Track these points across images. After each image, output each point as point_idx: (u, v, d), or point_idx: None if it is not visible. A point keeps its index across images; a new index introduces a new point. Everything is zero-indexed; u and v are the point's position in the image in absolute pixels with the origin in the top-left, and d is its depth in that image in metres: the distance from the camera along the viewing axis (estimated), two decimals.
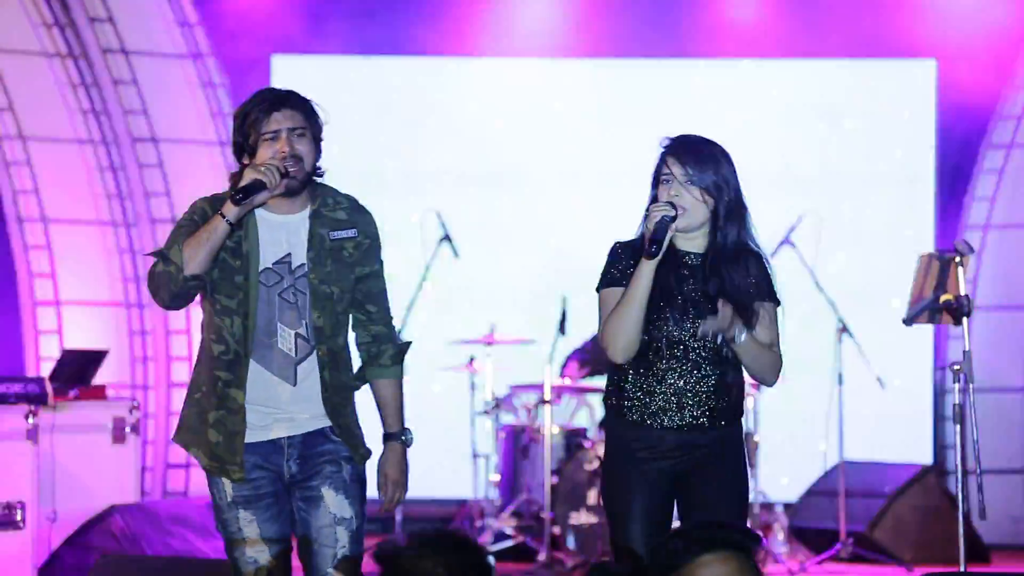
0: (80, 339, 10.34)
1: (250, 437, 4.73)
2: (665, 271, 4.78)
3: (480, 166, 11.34)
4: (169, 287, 4.64)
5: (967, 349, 6.62)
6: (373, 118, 11.21)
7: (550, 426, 9.44)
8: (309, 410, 4.75)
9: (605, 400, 4.97)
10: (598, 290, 4.92)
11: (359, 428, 4.86)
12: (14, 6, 10.33)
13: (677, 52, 11.23)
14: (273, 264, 4.72)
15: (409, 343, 4.98)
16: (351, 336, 4.89)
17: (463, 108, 11.34)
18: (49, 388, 8.07)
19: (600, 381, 10.15)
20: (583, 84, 11.36)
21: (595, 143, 11.28)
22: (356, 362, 4.93)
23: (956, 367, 6.54)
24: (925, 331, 10.99)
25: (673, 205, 4.78)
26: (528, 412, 9.84)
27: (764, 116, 11.18)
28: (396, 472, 4.92)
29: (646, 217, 4.82)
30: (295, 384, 4.73)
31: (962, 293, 6.75)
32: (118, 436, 8.41)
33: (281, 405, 4.73)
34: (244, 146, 4.76)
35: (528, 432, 9.72)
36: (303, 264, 4.73)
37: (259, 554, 4.74)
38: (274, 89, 4.85)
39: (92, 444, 8.32)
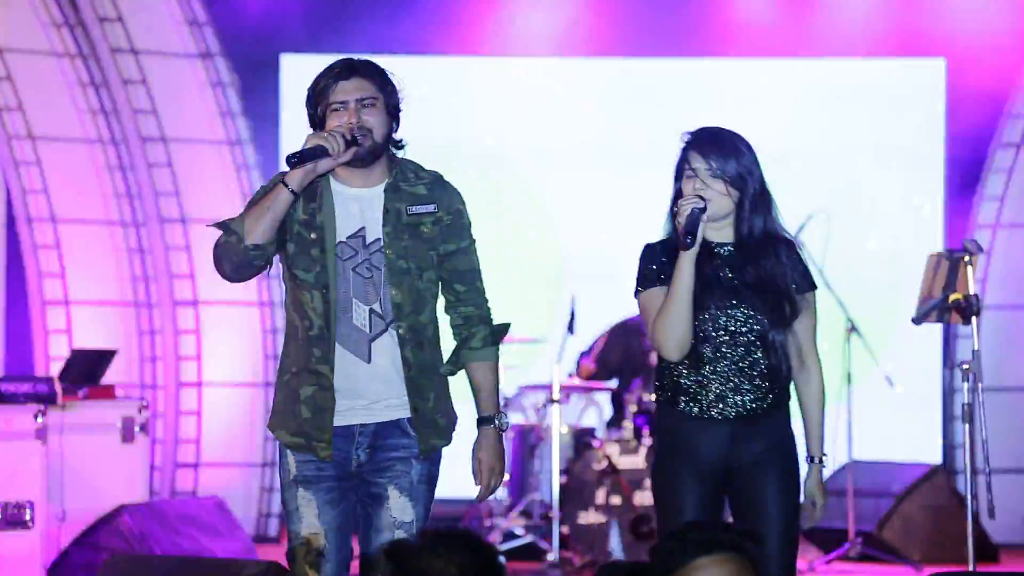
0: (89, 339, 10.35)
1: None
2: (700, 263, 4.80)
3: (489, 165, 11.35)
4: (231, 257, 4.54)
5: (976, 348, 6.61)
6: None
7: (559, 426, 9.45)
8: (384, 392, 4.62)
9: (658, 395, 4.96)
10: (637, 294, 4.93)
11: (444, 416, 4.73)
12: (23, 6, 10.34)
13: (686, 51, 11.24)
14: (347, 238, 4.60)
15: (507, 325, 4.85)
16: (445, 319, 4.76)
17: (472, 107, 11.35)
18: (58, 388, 8.08)
19: (603, 382, 10.16)
20: (593, 83, 11.37)
21: (606, 142, 11.28)
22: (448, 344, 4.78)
23: (965, 366, 6.54)
24: (934, 330, 10.99)
25: (701, 197, 4.79)
26: (536, 411, 9.85)
27: (773, 115, 11.18)
28: (491, 457, 4.77)
29: (675, 212, 4.83)
30: (369, 362, 4.60)
31: (971, 292, 6.74)
32: (127, 436, 8.42)
33: (358, 384, 4.61)
34: (316, 118, 4.65)
35: (536, 432, 9.73)
36: (378, 239, 4.61)
37: (314, 539, 4.61)
38: (349, 59, 4.73)
39: (101, 444, 8.32)
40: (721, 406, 4.84)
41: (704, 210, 4.77)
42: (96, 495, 8.15)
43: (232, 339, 10.81)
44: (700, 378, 4.85)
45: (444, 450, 4.82)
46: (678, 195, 4.88)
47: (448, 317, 4.79)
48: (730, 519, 5.03)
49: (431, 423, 4.68)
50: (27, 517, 7.81)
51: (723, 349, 4.84)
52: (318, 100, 4.64)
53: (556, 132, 11.35)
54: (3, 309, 10.73)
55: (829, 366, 10.09)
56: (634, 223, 11.14)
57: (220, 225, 4.58)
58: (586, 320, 10.06)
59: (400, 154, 4.75)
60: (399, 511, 4.63)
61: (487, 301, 4.82)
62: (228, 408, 10.78)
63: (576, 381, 9.98)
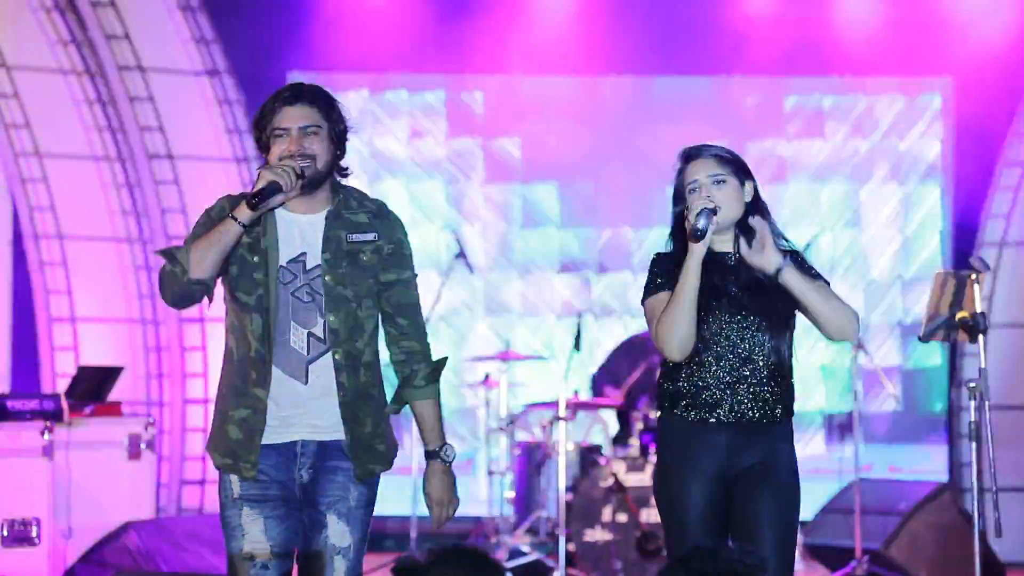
0: (96, 356, 10.36)
1: (268, 438, 4.62)
2: (706, 271, 4.83)
3: (496, 181, 11.36)
4: (173, 287, 4.58)
5: (983, 366, 6.62)
6: (389, 134, 11.24)
7: (565, 443, 9.45)
8: (324, 413, 4.64)
9: (659, 402, 4.99)
10: (644, 301, 4.97)
11: (384, 442, 4.73)
12: (31, 23, 10.37)
13: (692, 69, 11.25)
14: (287, 262, 4.61)
15: (445, 359, 4.86)
16: (384, 350, 4.77)
17: (479, 123, 11.37)
18: (65, 404, 8.08)
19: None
20: (602, 100, 11.37)
21: (613, 159, 11.29)
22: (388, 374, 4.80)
23: (972, 384, 6.54)
24: (941, 348, 10.98)
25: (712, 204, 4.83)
26: (543, 429, 9.85)
27: (778, 133, 11.19)
28: (439, 491, 4.78)
29: (684, 219, 4.85)
30: (307, 383, 4.61)
31: (978, 310, 6.76)
32: (133, 452, 8.42)
33: (298, 403, 4.62)
34: (261, 142, 4.67)
35: (543, 449, 9.73)
36: (318, 265, 4.62)
37: (259, 552, 4.62)
38: (298, 84, 4.71)
39: (107, 460, 8.32)
40: (720, 412, 4.87)
41: (715, 212, 4.79)
42: (102, 512, 8.15)
43: None
44: (699, 383, 4.88)
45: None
46: (679, 218, 4.92)
47: (388, 351, 4.78)
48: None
49: (368, 448, 4.68)
50: (33, 534, 7.81)
51: (724, 355, 4.87)
52: (264, 123, 4.64)
53: (567, 150, 11.35)
54: (10, 326, 10.74)
55: (835, 384, 10.14)
56: (643, 241, 11.18)
57: (165, 253, 4.60)
58: (592, 338, 10.06)
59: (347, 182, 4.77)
60: (337, 537, 4.63)
61: (427, 336, 4.83)
62: None
63: (582, 397, 9.98)
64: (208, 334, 10.82)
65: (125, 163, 10.72)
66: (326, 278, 4.60)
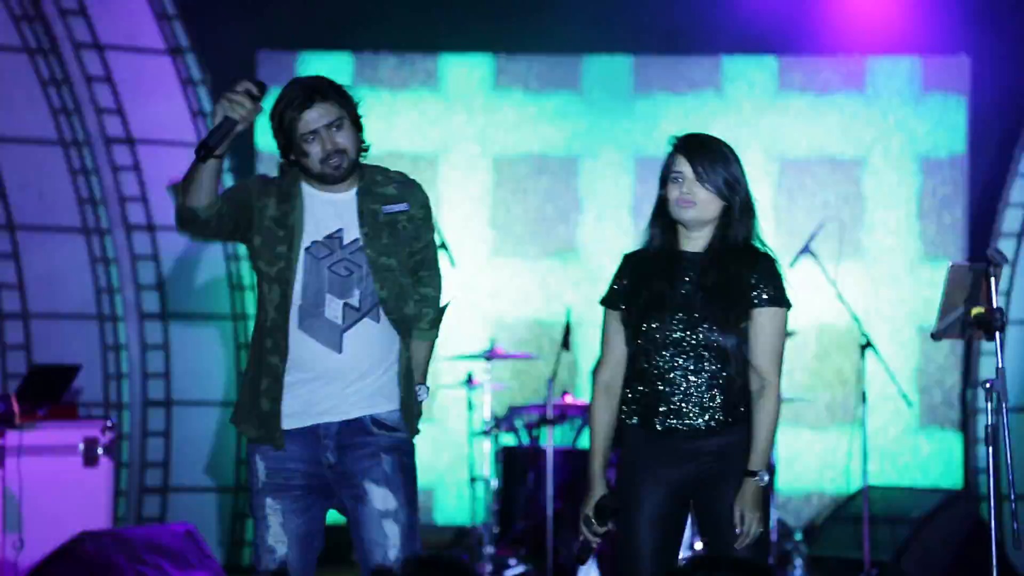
0: (49, 354, 10.33)
1: (290, 423, 5.04)
2: (661, 275, 5.03)
3: (479, 170, 11.33)
4: (176, 212, 5.01)
5: (1000, 366, 6.58)
6: (364, 117, 11.19)
7: (552, 448, 9.43)
8: (356, 381, 5.03)
9: (619, 409, 5.15)
10: (600, 302, 5.20)
11: (417, 405, 5.18)
12: None
13: (697, 48, 11.22)
14: (324, 238, 5.06)
15: (448, 304, 5.30)
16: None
17: (459, 108, 11.33)
18: (16, 406, 8.06)
19: None
20: (605, 77, 11.34)
21: (605, 143, 11.27)
22: None
23: (988, 385, 6.52)
24: (955, 346, 10.97)
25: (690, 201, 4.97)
26: (529, 433, 9.83)
27: (789, 114, 11.17)
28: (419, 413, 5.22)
29: (665, 204, 5.05)
30: (341, 352, 5.03)
31: (995, 306, 6.73)
32: (90, 458, 8.40)
33: (328, 374, 5.02)
34: (288, 148, 5.07)
35: (530, 454, 9.71)
36: (356, 239, 5.07)
37: (278, 545, 5.03)
38: (303, 82, 5.13)
39: (62, 466, 8.32)
40: (668, 419, 5.02)
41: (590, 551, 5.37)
42: (56, 522, 8.13)
43: (202, 355, 10.79)
44: (650, 390, 5.04)
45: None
46: (662, 201, 5.09)
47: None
48: (697, 535, 5.19)
49: (411, 414, 5.15)
50: None
51: (675, 361, 5.01)
52: (288, 130, 5.06)
53: (556, 138, 11.34)
54: None
55: (843, 384, 10.09)
56: (637, 230, 11.15)
57: (173, 189, 5.15)
58: (583, 336, 10.04)
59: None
60: (381, 501, 5.01)
61: (442, 285, 5.32)
62: (198, 429, 10.74)
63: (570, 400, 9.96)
64: (170, 331, 10.78)
65: (82, 148, 10.68)
66: (368, 252, 5.07)
